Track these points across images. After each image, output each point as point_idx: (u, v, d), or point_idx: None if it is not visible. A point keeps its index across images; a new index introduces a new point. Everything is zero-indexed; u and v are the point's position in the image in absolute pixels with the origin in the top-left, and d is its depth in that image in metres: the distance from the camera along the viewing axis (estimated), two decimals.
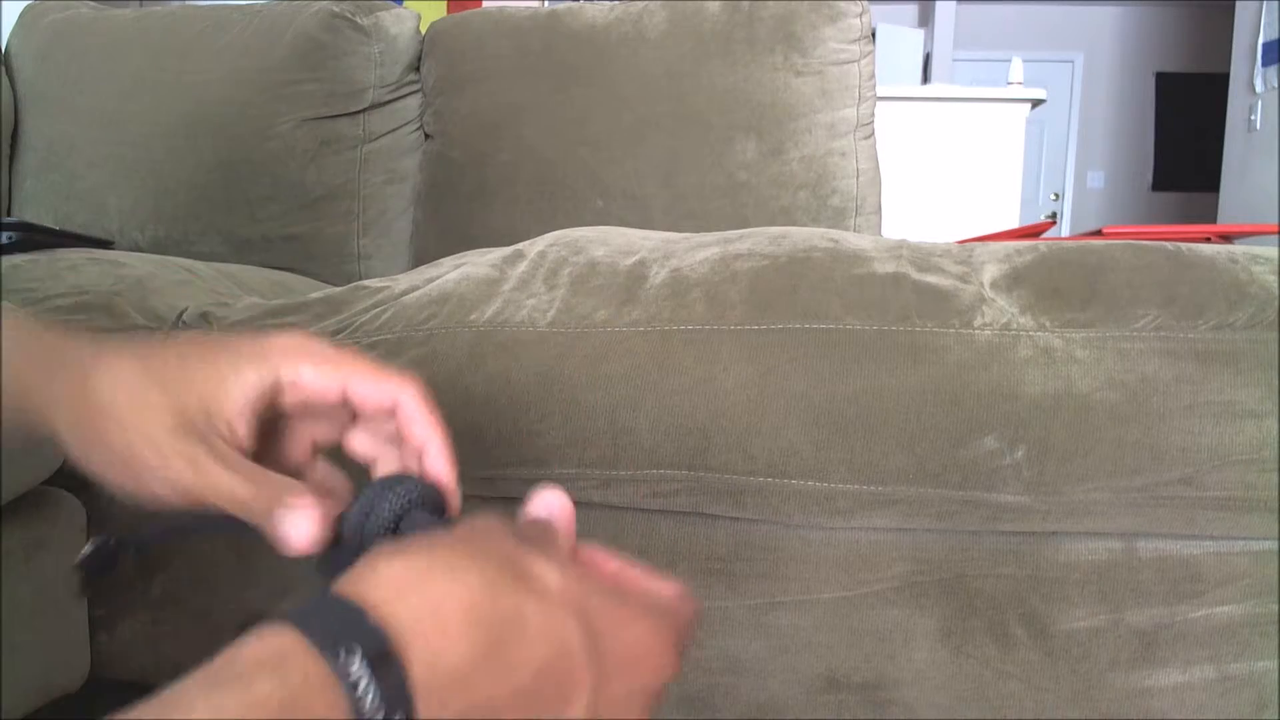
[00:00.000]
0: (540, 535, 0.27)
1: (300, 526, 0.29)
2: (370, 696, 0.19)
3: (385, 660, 0.19)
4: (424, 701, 0.20)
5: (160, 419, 0.30)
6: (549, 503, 0.30)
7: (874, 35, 1.34)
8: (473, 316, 0.61)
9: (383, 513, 0.30)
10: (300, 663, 0.19)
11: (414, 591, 0.21)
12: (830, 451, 0.54)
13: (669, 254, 0.64)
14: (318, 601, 0.21)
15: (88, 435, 0.30)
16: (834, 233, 0.65)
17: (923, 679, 0.58)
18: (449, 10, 4.00)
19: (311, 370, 0.31)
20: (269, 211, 1.29)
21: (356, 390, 0.32)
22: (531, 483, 0.58)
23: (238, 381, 0.31)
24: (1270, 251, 0.57)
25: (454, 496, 0.32)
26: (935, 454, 0.53)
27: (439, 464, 0.32)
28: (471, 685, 0.21)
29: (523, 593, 0.23)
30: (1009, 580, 0.56)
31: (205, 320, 0.67)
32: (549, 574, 0.24)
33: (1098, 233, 1.62)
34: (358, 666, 0.19)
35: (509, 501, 0.61)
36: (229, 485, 0.29)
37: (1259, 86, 3.91)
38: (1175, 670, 0.55)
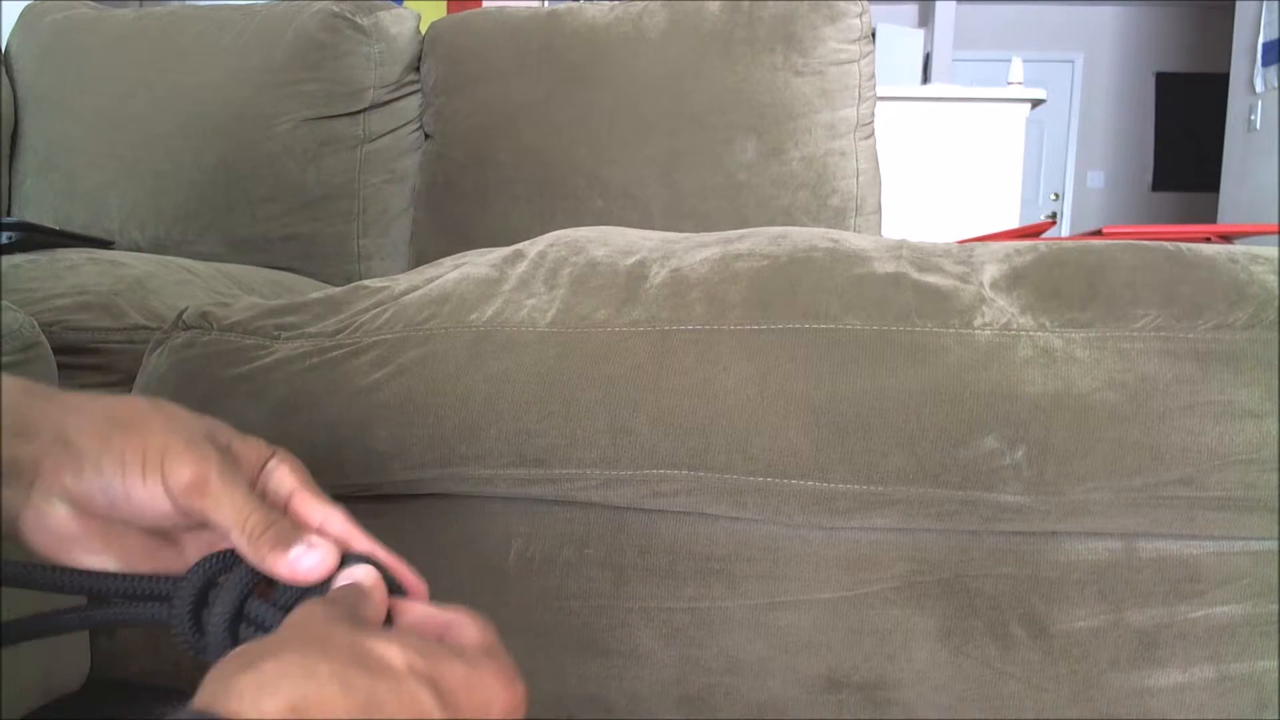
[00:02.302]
0: (353, 599, 0.29)
1: (318, 561, 0.31)
2: None
3: None
4: None
5: (185, 427, 0.32)
6: (355, 574, 0.31)
7: (874, 35, 1.34)
8: (473, 316, 0.61)
9: (225, 605, 0.31)
10: None
11: (271, 696, 0.22)
12: (830, 451, 0.54)
13: (669, 254, 0.64)
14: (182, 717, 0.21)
15: (94, 444, 0.31)
16: (834, 233, 0.65)
17: (923, 679, 0.58)
18: (449, 10, 4.00)
19: (289, 473, 0.35)
20: (269, 211, 1.29)
21: (303, 503, 0.35)
22: (532, 483, 0.58)
23: (256, 443, 0.35)
24: (1270, 251, 0.57)
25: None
26: (935, 454, 0.53)
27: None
28: None
29: (373, 678, 0.23)
30: (1009, 580, 0.56)
31: (205, 320, 0.67)
32: (391, 651, 0.25)
33: (1098, 233, 1.62)
34: None
35: (509, 501, 0.61)
36: (243, 502, 0.31)
37: (1259, 86, 3.92)
38: (1175, 670, 0.55)
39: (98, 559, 0.32)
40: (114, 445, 0.31)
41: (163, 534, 0.34)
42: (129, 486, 0.31)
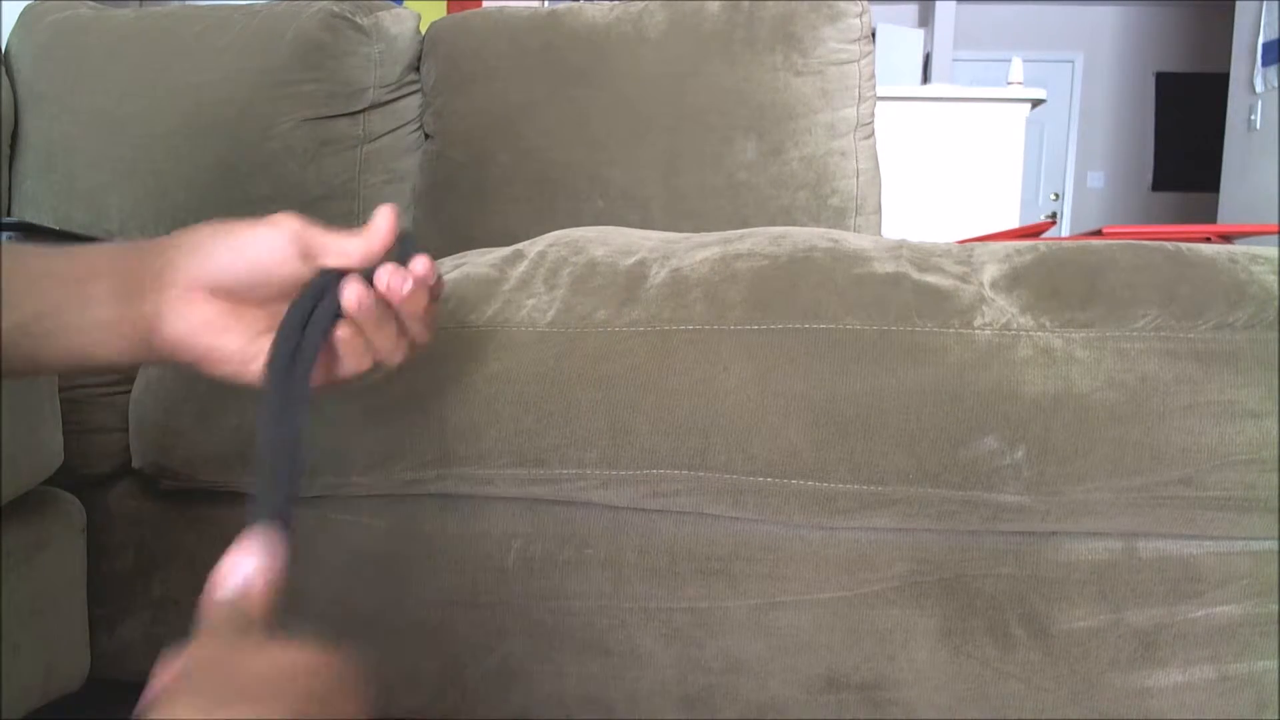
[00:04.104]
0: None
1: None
2: None
3: None
4: None
5: (286, 217, 0.45)
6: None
7: (874, 35, 1.34)
8: (473, 316, 0.61)
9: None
10: None
11: None
12: (830, 451, 0.54)
13: (669, 254, 0.64)
14: None
15: (219, 235, 0.42)
16: (834, 233, 0.65)
17: (923, 679, 0.58)
18: (449, 10, 4.00)
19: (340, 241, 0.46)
20: (269, 211, 1.29)
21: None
22: (532, 483, 0.58)
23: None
24: (1270, 251, 0.57)
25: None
26: (935, 454, 0.53)
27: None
28: None
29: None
30: (1009, 580, 0.56)
31: None
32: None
33: (1098, 233, 1.62)
34: None
35: (509, 501, 0.61)
36: (343, 240, 0.45)
37: (1259, 86, 3.92)
38: (1175, 670, 0.55)
39: (227, 337, 0.40)
40: (236, 230, 0.42)
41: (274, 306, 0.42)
42: (258, 248, 0.42)
